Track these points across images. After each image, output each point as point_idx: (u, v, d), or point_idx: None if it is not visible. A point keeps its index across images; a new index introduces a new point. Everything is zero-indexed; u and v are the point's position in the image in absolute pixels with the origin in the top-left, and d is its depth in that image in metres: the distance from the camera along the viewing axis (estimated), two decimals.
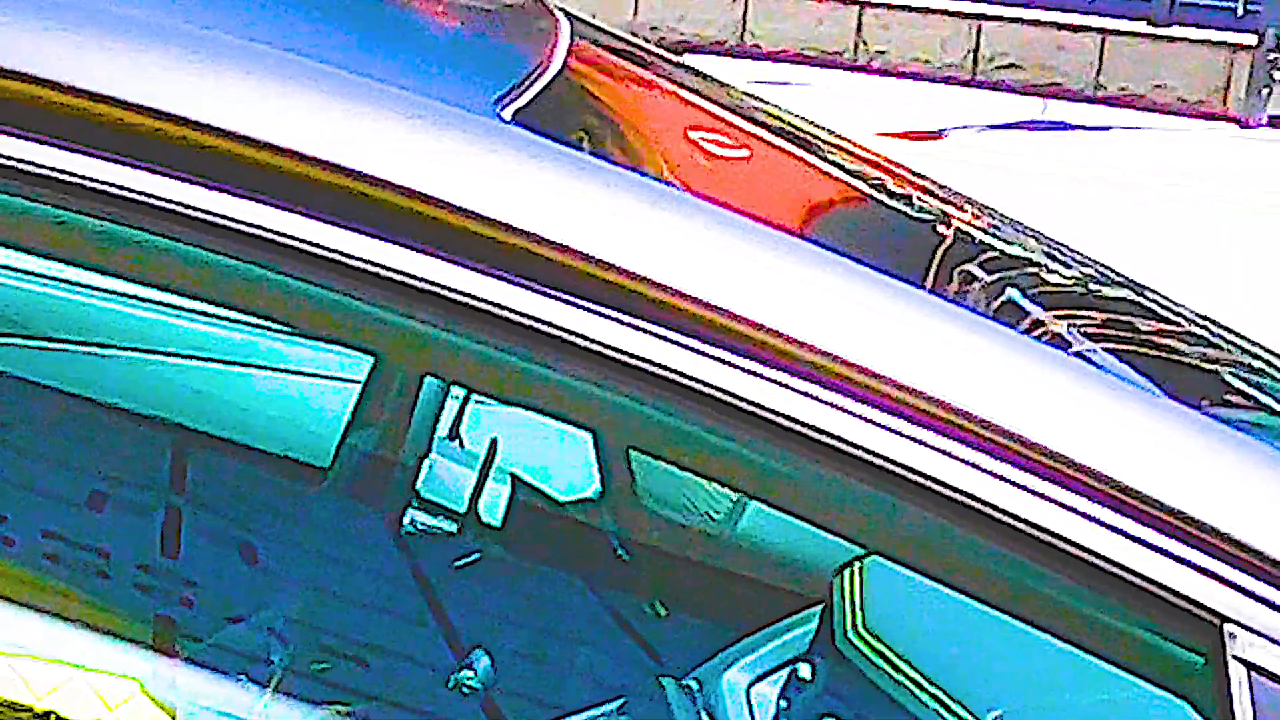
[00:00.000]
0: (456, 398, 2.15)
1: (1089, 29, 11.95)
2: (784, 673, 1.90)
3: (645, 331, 1.25)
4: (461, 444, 2.16)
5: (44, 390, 2.07)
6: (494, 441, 2.11)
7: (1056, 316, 1.61)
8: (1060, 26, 11.98)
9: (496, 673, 1.87)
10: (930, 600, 1.49)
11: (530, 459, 2.14)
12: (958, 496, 1.25)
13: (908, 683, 1.81)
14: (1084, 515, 1.24)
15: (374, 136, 1.27)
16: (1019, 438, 1.25)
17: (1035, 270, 1.87)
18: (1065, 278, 1.90)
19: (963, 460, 1.25)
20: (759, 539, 2.06)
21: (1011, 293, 1.62)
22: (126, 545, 1.92)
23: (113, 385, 2.21)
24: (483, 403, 2.15)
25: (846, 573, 1.90)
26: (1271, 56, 11.27)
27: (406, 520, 2.07)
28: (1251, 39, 11.46)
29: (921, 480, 1.25)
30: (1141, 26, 11.86)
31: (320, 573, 2.01)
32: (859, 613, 1.88)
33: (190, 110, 1.25)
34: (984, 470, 1.25)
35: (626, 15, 12.07)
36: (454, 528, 2.08)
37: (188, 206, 1.24)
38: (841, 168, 1.92)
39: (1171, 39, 11.81)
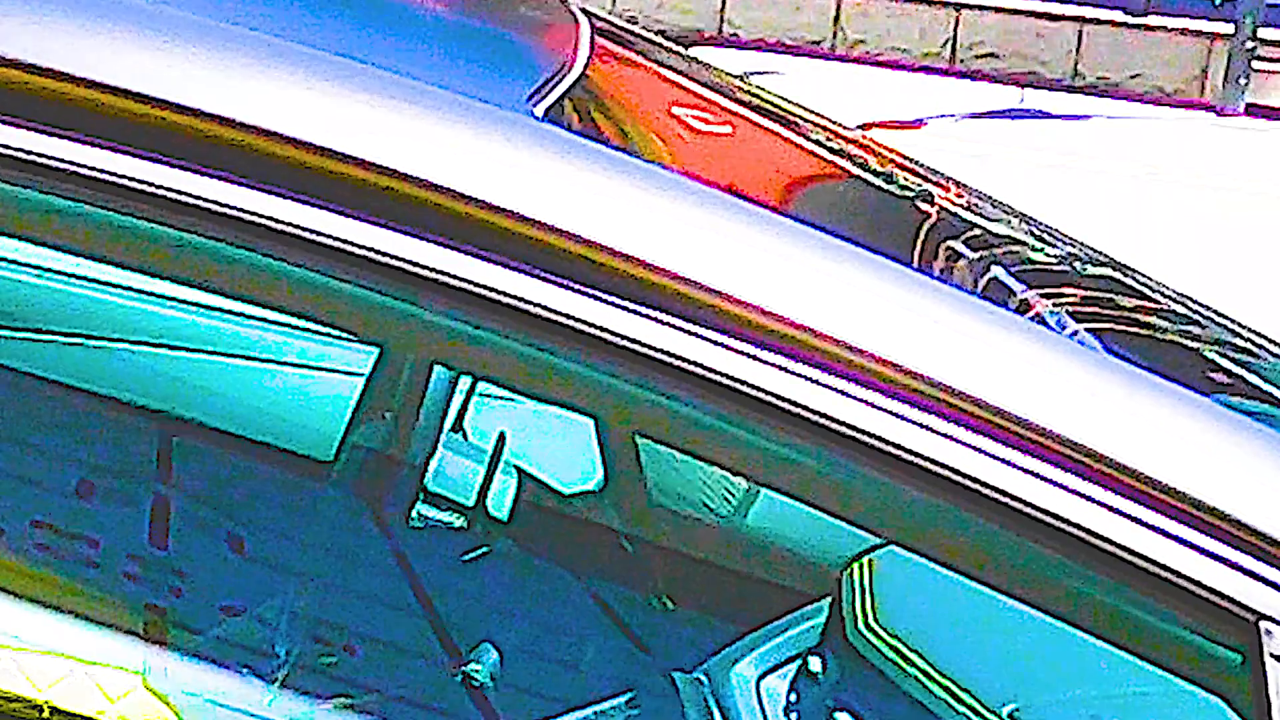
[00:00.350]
0: (462, 392, 2.15)
1: (1067, 18, 11.95)
2: (794, 666, 1.90)
3: (681, 330, 1.25)
4: (466, 438, 2.16)
5: (62, 387, 2.06)
6: (501, 435, 2.11)
7: (1070, 303, 1.61)
8: (1038, 15, 11.98)
9: (503, 666, 1.86)
10: (942, 593, 1.49)
11: (537, 452, 2.13)
12: (985, 490, 1.25)
13: (921, 676, 1.81)
14: (1118, 511, 1.24)
15: (408, 133, 1.26)
16: (1047, 430, 1.25)
17: (1051, 259, 1.88)
18: (1075, 263, 1.91)
19: (992, 455, 1.25)
20: (768, 531, 2.06)
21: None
22: (130, 542, 1.91)
23: (117, 380, 2.20)
24: (488, 396, 2.15)
25: (857, 565, 1.90)
26: (1248, 45, 11.28)
27: (414, 514, 2.07)
28: (1229, 28, 11.47)
29: (950, 473, 1.25)
30: (1119, 15, 11.87)
31: (327, 567, 2.00)
32: (870, 605, 1.88)
33: (221, 106, 1.25)
34: (1015, 466, 1.25)
35: (605, 3, 12.04)
36: (461, 522, 2.07)
37: (220, 204, 1.24)
38: (862, 163, 1.92)
39: (1149, 28, 11.81)
